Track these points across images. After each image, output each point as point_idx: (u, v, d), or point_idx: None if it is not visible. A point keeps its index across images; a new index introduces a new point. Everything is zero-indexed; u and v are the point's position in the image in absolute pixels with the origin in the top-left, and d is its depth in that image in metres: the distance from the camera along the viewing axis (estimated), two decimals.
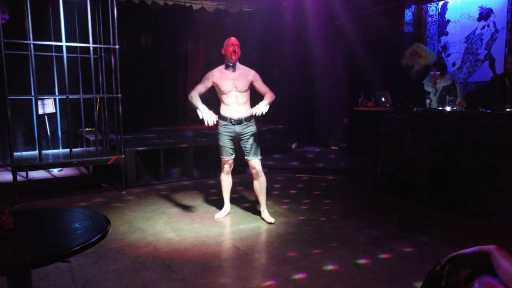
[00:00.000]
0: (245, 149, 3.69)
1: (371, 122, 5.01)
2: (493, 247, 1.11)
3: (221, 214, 3.93)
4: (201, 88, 3.64)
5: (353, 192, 5.05)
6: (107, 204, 4.44)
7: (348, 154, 7.20)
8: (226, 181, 3.88)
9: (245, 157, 3.71)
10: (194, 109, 3.60)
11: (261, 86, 3.64)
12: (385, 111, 4.87)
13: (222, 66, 3.65)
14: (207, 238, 3.39)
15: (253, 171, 3.72)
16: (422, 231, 3.52)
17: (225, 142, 3.68)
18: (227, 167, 3.80)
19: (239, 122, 3.61)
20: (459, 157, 3.94)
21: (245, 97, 3.63)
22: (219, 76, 3.60)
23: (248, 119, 3.64)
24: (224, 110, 3.66)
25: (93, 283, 2.57)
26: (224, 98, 3.63)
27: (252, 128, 3.66)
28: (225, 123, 3.65)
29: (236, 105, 3.61)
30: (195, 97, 3.57)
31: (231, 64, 3.59)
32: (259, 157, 3.70)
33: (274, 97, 3.58)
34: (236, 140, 3.72)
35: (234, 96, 3.58)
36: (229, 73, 3.60)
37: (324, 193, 4.92)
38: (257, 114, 3.48)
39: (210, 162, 5.87)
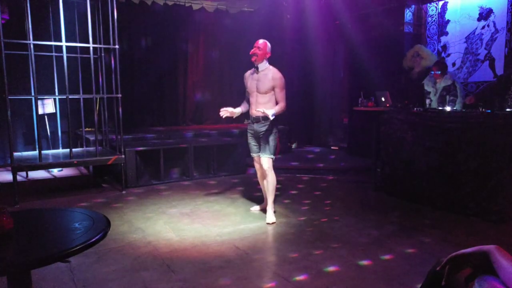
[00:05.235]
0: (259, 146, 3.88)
1: (371, 122, 5.00)
2: (493, 247, 1.10)
3: (256, 208, 4.18)
4: (247, 92, 3.92)
5: (353, 192, 5.05)
6: (107, 204, 4.44)
7: (348, 154, 7.20)
8: (262, 182, 4.02)
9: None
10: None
11: (277, 94, 3.73)
12: (385, 111, 4.86)
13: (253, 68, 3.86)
14: (207, 238, 3.39)
15: (259, 166, 3.91)
16: (422, 231, 3.52)
17: (249, 139, 3.94)
18: (256, 165, 4.00)
19: (256, 120, 3.80)
20: (459, 157, 3.94)
21: (266, 98, 3.74)
22: (248, 77, 3.89)
23: (265, 118, 3.73)
24: (250, 109, 3.90)
25: (93, 283, 2.57)
26: (250, 97, 3.87)
27: (267, 127, 3.76)
28: (249, 121, 3.93)
29: (256, 105, 3.77)
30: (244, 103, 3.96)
31: (255, 66, 3.80)
32: (268, 155, 3.78)
33: (284, 109, 3.74)
34: (258, 138, 3.87)
35: (255, 96, 3.78)
36: (254, 74, 3.81)
37: (325, 193, 4.93)
38: (261, 113, 3.65)
39: (210, 162, 5.87)
